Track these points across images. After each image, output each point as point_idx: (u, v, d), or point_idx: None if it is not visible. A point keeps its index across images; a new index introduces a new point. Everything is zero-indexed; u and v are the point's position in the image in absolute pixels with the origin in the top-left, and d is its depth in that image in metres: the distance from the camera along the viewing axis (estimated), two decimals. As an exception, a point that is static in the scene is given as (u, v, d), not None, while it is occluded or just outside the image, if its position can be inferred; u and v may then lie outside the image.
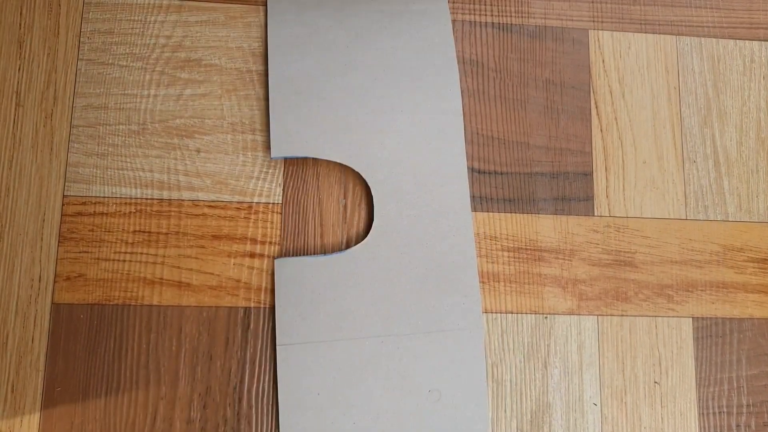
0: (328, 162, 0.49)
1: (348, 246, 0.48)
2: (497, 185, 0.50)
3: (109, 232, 0.47)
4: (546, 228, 0.50)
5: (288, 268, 0.46)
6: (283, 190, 0.48)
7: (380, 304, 0.46)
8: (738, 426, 0.49)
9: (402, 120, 0.49)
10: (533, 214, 0.50)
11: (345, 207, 0.48)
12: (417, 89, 0.50)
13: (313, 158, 0.48)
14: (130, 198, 0.47)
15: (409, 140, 0.49)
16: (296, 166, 0.49)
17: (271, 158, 0.48)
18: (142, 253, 0.47)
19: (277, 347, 0.45)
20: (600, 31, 0.54)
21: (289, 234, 0.48)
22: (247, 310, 0.47)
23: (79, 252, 0.46)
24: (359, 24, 0.50)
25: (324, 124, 0.48)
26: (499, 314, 0.49)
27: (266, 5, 0.50)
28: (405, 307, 0.47)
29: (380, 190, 0.48)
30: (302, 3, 0.50)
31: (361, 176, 0.48)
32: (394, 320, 0.46)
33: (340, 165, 0.49)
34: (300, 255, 0.48)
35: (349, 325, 0.46)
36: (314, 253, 0.48)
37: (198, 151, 0.48)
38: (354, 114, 0.49)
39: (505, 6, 0.53)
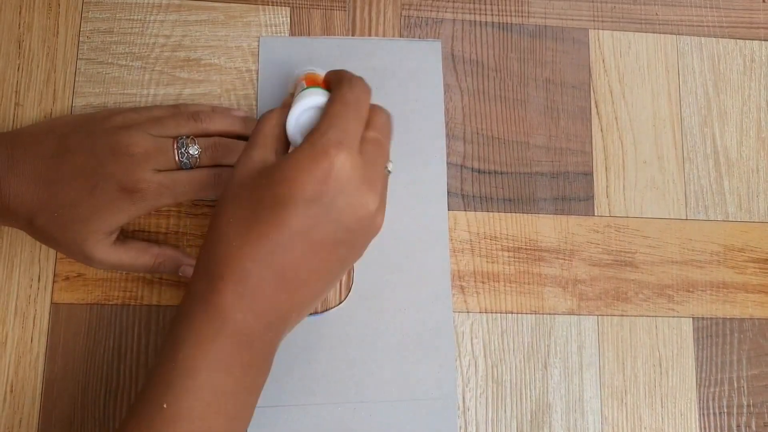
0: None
1: (325, 308, 0.47)
2: (497, 185, 0.50)
3: (108, 231, 0.47)
4: (546, 228, 0.50)
5: None
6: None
7: (354, 370, 0.46)
8: (738, 426, 0.49)
9: None
10: (533, 214, 0.50)
11: None
12: (403, 154, 0.49)
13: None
14: (130, 198, 0.47)
15: (393, 205, 0.48)
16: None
17: None
18: (141, 253, 0.47)
19: None
20: (600, 31, 0.54)
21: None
22: (246, 310, 0.47)
23: (79, 252, 0.46)
24: None
25: None
26: (498, 314, 0.49)
27: (258, 45, 0.50)
28: (379, 374, 0.46)
29: None
30: (292, 61, 0.49)
31: None
32: (367, 387, 0.46)
33: None
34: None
35: (323, 390, 0.45)
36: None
37: (197, 150, 0.48)
38: None
39: (505, 5, 0.53)
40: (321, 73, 0.42)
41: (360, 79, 0.38)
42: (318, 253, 0.35)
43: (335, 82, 0.38)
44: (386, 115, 0.38)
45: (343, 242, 0.35)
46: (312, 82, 0.40)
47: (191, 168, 0.42)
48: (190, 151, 0.42)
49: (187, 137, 0.42)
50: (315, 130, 0.35)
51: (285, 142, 0.38)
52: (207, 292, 0.34)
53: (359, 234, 0.36)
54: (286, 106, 0.39)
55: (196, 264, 0.36)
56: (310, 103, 0.38)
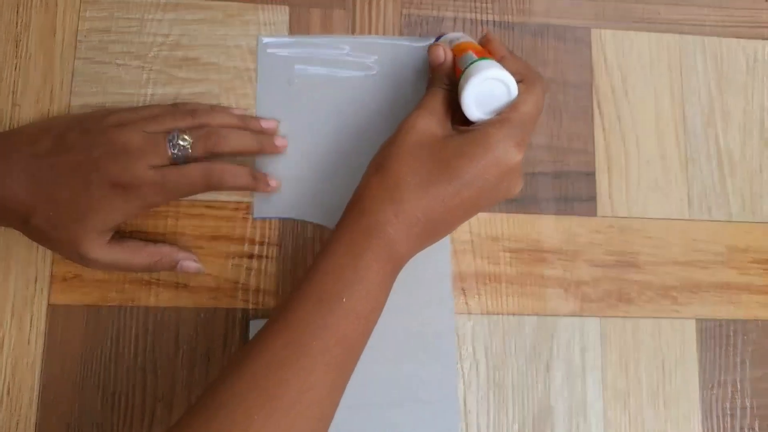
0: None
1: None
2: (499, 185, 0.50)
3: (106, 232, 0.46)
4: (548, 228, 0.50)
5: None
6: (282, 190, 0.48)
7: (355, 371, 0.45)
8: (742, 428, 0.49)
9: None
10: (535, 215, 0.50)
11: None
12: None
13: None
14: (128, 198, 0.47)
15: None
16: (295, 165, 0.48)
17: (253, 218, 0.47)
18: (139, 254, 0.46)
19: None
20: (602, 30, 0.53)
21: (287, 233, 0.48)
22: (245, 311, 0.46)
23: (76, 253, 0.46)
24: (350, 85, 0.49)
25: (307, 186, 0.48)
26: (500, 316, 0.48)
27: (257, 44, 0.50)
28: (381, 376, 0.46)
29: None
30: (292, 60, 0.49)
31: None
32: (369, 389, 0.45)
33: None
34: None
35: None
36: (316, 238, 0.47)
37: (196, 150, 0.48)
38: (338, 175, 0.48)
39: (507, 4, 0.53)
40: (470, 40, 0.46)
41: (545, 81, 0.44)
42: (468, 213, 0.42)
43: (528, 78, 0.42)
44: None
45: (488, 206, 0.44)
46: (480, 53, 0.43)
47: (185, 163, 0.42)
48: (181, 143, 0.42)
49: (179, 130, 0.42)
50: (506, 121, 0.40)
51: (454, 111, 0.43)
52: (384, 223, 0.39)
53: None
54: (449, 81, 0.44)
55: (359, 191, 0.41)
56: (488, 74, 0.41)
